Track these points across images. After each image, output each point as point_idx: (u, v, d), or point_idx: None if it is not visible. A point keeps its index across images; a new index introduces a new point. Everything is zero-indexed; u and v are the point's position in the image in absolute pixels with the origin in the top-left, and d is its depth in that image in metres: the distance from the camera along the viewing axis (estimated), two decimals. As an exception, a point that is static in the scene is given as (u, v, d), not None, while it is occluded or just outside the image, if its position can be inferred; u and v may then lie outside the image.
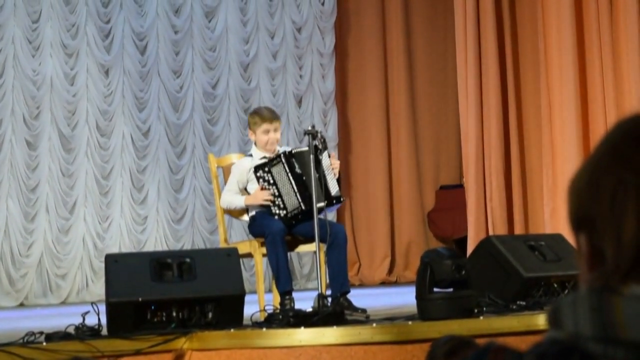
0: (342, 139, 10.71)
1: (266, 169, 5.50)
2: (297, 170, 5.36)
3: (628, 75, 8.29)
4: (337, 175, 5.55)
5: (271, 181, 5.47)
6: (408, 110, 10.80)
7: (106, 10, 9.46)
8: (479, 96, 9.25)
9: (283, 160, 5.45)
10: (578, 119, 8.50)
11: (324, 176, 5.42)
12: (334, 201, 5.48)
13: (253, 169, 5.53)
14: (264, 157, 5.59)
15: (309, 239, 5.42)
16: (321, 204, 5.23)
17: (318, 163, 5.41)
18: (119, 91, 9.45)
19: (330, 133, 10.45)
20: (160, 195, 9.58)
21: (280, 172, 5.46)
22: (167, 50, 9.74)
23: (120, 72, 9.47)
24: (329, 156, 5.50)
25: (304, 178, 5.25)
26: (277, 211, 5.45)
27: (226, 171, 5.82)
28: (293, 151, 5.43)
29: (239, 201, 5.57)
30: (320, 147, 5.38)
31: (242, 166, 5.65)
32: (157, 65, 9.68)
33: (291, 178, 5.42)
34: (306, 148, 5.31)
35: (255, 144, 5.71)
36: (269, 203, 5.46)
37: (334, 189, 5.49)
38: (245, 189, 5.64)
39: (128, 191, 9.42)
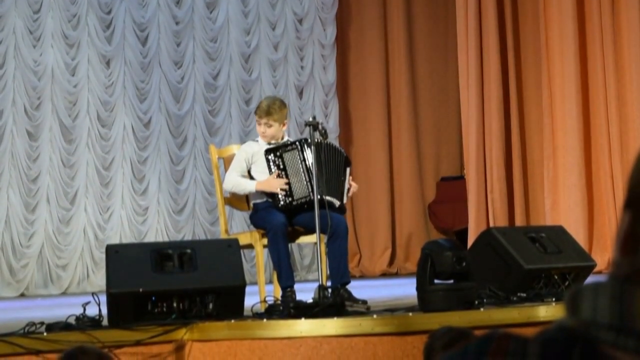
0: (343, 130, 10.70)
1: (278, 153, 5.44)
2: (310, 160, 5.27)
3: (629, 67, 8.28)
4: (350, 193, 5.62)
5: (281, 166, 5.42)
6: (409, 102, 10.79)
7: (107, 0, 9.44)
8: (480, 87, 9.24)
9: (299, 147, 5.43)
10: (579, 110, 8.49)
11: (343, 182, 5.50)
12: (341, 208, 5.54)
13: (264, 151, 5.47)
14: (271, 143, 5.57)
15: (310, 230, 5.41)
16: (335, 200, 5.30)
17: (344, 170, 5.48)
18: (120, 82, 9.44)
19: (331, 124, 10.44)
20: (161, 186, 9.58)
21: (293, 159, 5.42)
22: (168, 41, 9.73)
23: (122, 62, 9.47)
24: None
25: (317, 169, 5.06)
26: (283, 197, 5.42)
27: (227, 162, 5.79)
28: (309, 140, 5.22)
29: (250, 185, 5.47)
30: (349, 159, 5.66)
31: (250, 148, 5.61)
32: (158, 56, 9.67)
33: (303, 167, 5.38)
34: (321, 138, 5.22)
35: None
36: (281, 192, 5.42)
37: (344, 199, 5.55)
38: (249, 172, 5.60)
39: (129, 182, 9.43)
